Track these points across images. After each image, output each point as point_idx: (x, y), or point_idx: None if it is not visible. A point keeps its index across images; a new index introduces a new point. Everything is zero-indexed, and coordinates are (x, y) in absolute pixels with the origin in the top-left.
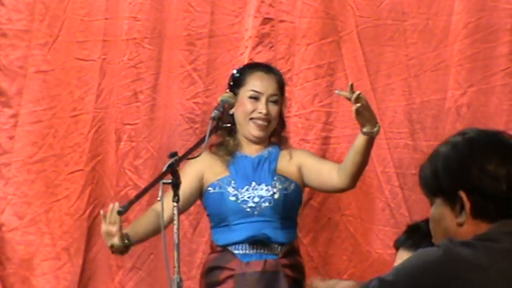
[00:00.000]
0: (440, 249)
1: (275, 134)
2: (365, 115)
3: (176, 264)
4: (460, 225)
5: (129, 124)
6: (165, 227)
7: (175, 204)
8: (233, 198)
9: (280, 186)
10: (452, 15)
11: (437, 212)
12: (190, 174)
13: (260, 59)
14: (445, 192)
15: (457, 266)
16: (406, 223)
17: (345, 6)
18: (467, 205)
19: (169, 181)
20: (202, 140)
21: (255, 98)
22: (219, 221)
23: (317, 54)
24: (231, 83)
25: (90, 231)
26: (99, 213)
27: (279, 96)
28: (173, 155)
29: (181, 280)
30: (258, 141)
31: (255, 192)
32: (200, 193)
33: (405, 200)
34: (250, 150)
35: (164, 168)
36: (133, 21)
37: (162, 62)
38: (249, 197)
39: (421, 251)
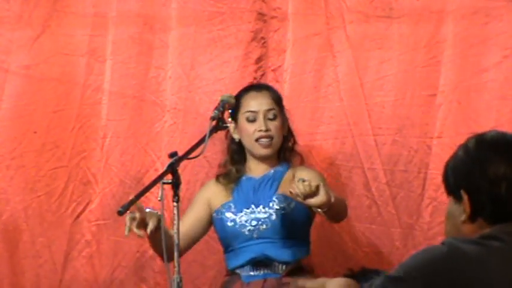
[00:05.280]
0: (445, 246)
1: (286, 149)
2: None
3: (176, 264)
4: (464, 223)
5: (115, 120)
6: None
7: (175, 204)
8: (231, 224)
9: (278, 207)
10: (444, 11)
11: (448, 208)
12: (198, 203)
13: (252, 54)
14: (452, 191)
15: (461, 262)
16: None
17: (335, 1)
18: (467, 205)
19: (169, 181)
20: (202, 140)
21: (253, 119)
22: (226, 246)
23: (307, 49)
24: (231, 112)
25: (73, 229)
26: (83, 210)
27: (277, 110)
28: (173, 154)
29: (181, 280)
30: (266, 158)
31: (253, 215)
32: (210, 221)
33: (393, 197)
34: (257, 171)
35: (164, 168)
36: (123, 17)
37: (152, 58)
38: (246, 221)
39: (426, 248)
